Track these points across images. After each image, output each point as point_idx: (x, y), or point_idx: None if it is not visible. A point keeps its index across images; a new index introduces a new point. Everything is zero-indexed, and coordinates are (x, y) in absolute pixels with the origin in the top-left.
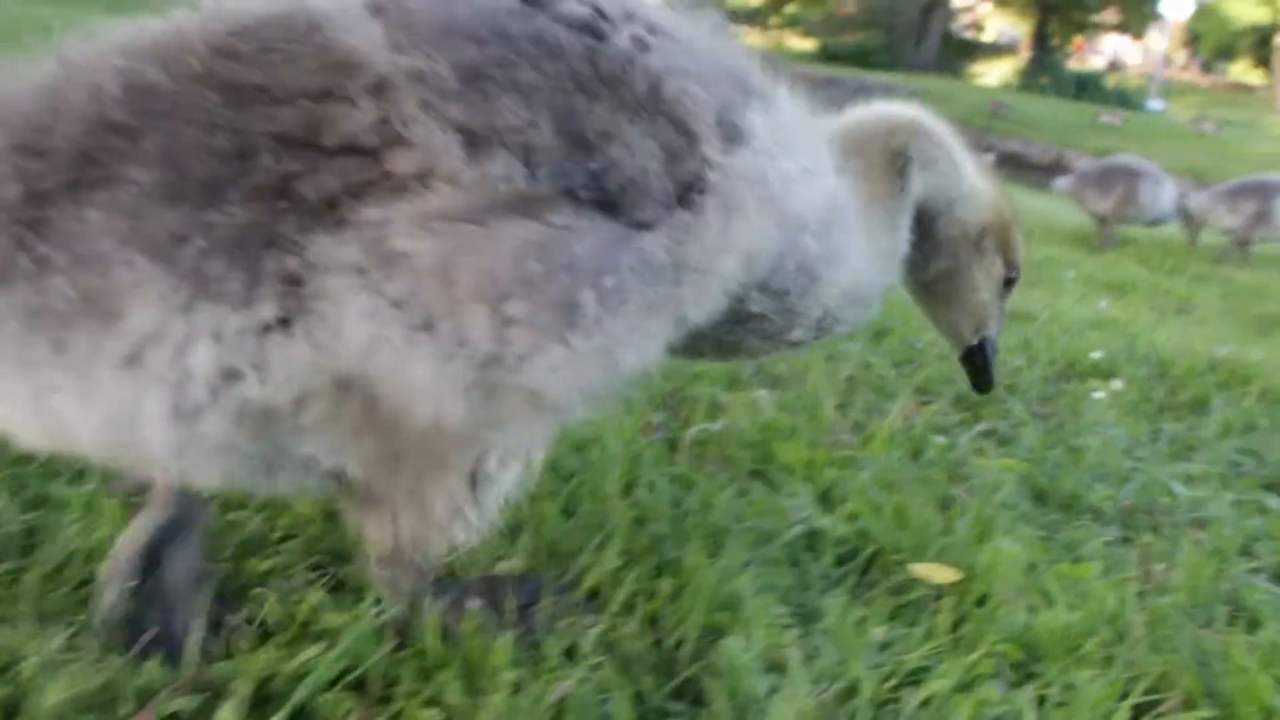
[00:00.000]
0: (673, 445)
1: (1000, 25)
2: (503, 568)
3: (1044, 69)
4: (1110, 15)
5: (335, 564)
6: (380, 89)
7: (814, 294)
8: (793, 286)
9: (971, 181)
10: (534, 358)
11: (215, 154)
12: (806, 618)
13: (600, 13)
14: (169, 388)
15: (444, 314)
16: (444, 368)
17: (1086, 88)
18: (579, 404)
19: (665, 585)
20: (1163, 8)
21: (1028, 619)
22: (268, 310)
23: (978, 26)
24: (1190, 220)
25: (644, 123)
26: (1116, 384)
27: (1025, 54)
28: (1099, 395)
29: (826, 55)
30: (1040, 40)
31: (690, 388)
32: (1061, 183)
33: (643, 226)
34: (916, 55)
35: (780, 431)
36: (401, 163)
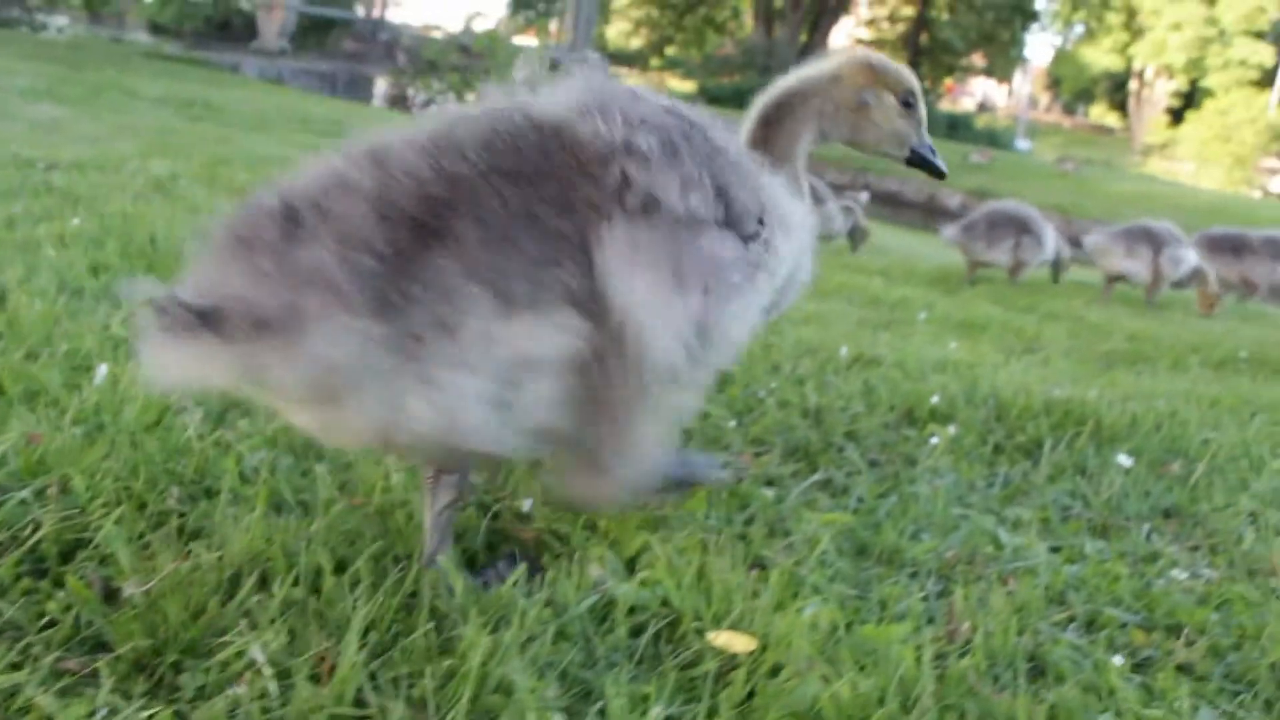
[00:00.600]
0: (483, 508)
1: None
2: None
3: None
4: (977, 59)
5: None
6: (609, 157)
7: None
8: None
9: (814, 79)
10: (724, 312)
11: (510, 214)
12: (587, 697)
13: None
14: (492, 381)
15: (679, 289)
16: (681, 326)
17: (958, 128)
18: (735, 352)
19: (439, 667)
20: (1027, 52)
21: (818, 690)
22: (565, 316)
23: None
24: (1060, 261)
25: (740, 178)
26: (952, 429)
27: None
28: (935, 440)
29: (706, 97)
30: None
31: None
32: (949, 232)
33: (749, 239)
34: None
35: None
36: (631, 200)
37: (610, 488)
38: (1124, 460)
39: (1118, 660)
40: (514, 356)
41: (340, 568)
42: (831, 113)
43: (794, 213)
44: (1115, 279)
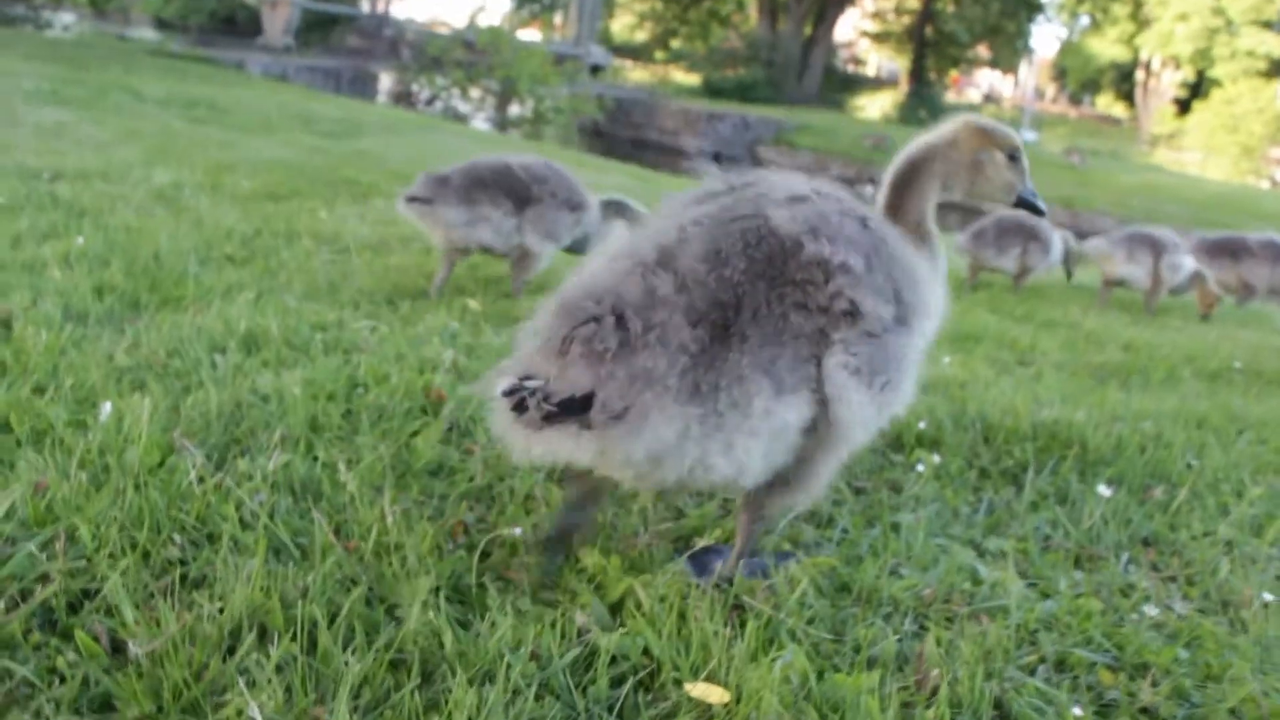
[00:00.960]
0: (472, 548)
1: (880, 60)
2: None
3: (922, 102)
4: (983, 51)
5: None
6: (829, 271)
7: None
8: None
9: (935, 144)
10: (895, 398)
11: (773, 316)
12: None
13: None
14: (769, 441)
15: (876, 379)
16: (869, 414)
17: None
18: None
19: None
20: (1033, 43)
21: None
22: (806, 396)
23: (858, 61)
24: (1070, 255)
25: (910, 281)
26: (937, 457)
27: (904, 88)
28: (921, 468)
29: (710, 90)
30: (918, 74)
31: (508, 480)
32: (961, 240)
33: (914, 333)
34: (798, 89)
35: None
36: (839, 306)
37: (791, 505)
38: (1104, 490)
39: (1077, 711)
40: (779, 426)
41: (334, 618)
42: (952, 172)
43: (936, 297)
44: (1114, 283)
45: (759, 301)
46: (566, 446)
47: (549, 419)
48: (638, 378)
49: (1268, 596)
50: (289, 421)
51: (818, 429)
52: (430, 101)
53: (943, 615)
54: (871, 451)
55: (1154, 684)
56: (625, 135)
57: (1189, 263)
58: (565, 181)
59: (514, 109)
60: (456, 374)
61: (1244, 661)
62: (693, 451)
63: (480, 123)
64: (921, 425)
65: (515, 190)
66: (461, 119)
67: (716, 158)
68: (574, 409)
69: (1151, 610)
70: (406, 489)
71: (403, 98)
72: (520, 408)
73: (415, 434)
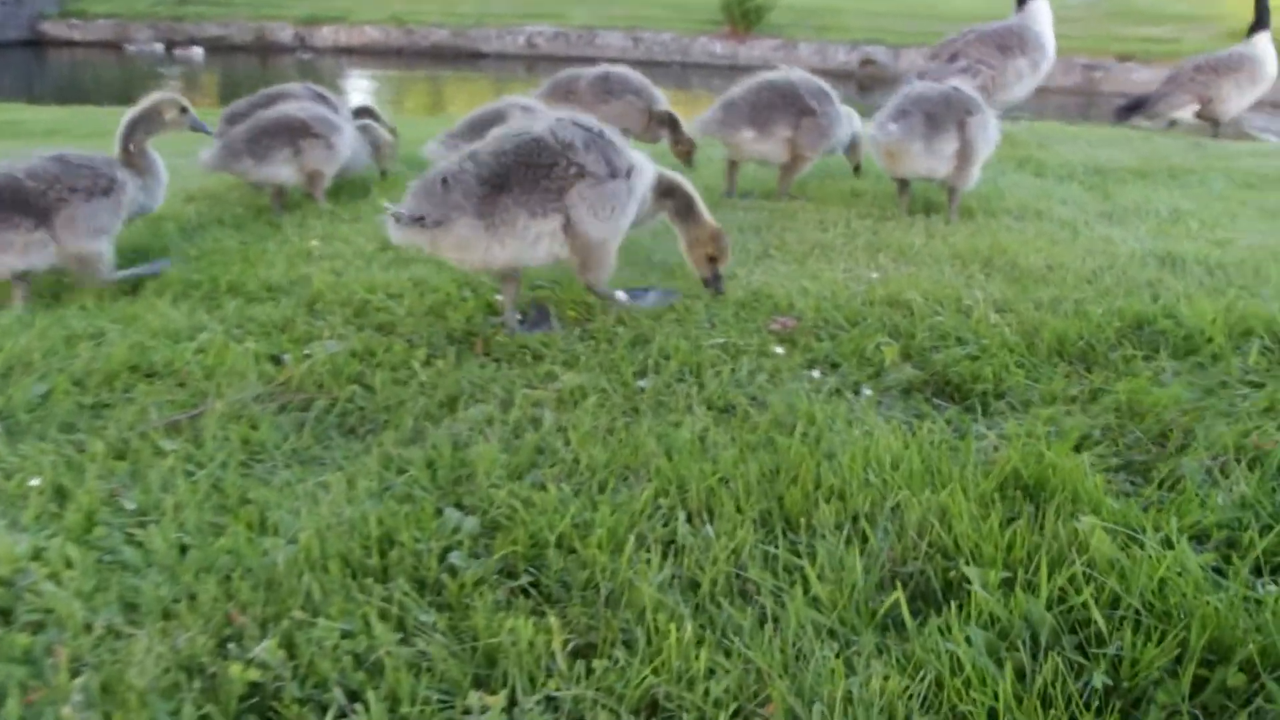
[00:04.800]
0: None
1: None
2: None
3: None
4: None
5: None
6: (568, 150)
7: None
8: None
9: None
10: (622, 217)
11: (531, 178)
12: None
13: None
14: (525, 242)
15: (603, 212)
16: (604, 220)
17: None
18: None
19: None
20: None
21: None
22: (556, 219)
23: None
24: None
25: (617, 153)
26: None
27: None
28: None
29: None
30: None
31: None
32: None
33: (624, 179)
34: None
35: None
36: (572, 170)
37: (596, 279)
38: None
39: None
40: (538, 232)
41: None
42: None
43: (643, 164)
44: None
45: (524, 174)
46: (416, 239)
47: (407, 225)
48: (451, 206)
49: None
50: None
51: (573, 237)
52: None
53: None
54: None
55: None
56: None
57: None
58: None
59: None
60: None
61: None
62: (483, 243)
63: None
64: None
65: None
66: None
67: None
68: (418, 221)
69: None
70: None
71: None
72: (396, 219)
73: None
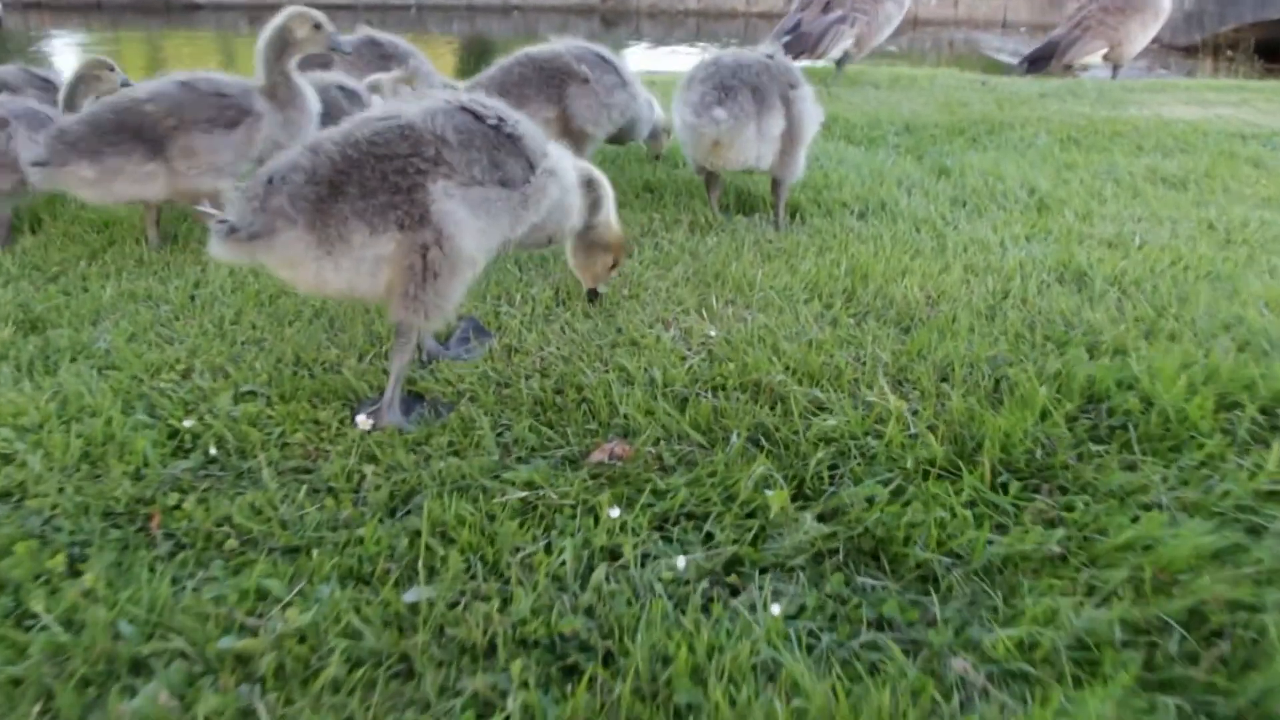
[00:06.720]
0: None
1: None
2: None
3: None
4: None
5: None
6: (438, 142)
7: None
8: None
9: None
10: (496, 226)
11: (376, 179)
12: None
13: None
14: (363, 265)
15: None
16: (483, 228)
17: None
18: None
19: None
20: None
21: None
22: (392, 234)
23: None
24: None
25: (515, 157)
26: None
27: None
28: None
29: None
30: None
31: None
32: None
33: (516, 190)
34: None
35: None
36: (440, 165)
37: (426, 322)
38: None
39: None
40: (376, 255)
41: None
42: None
43: (566, 168)
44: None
45: (371, 171)
46: (237, 254)
47: (224, 236)
48: (275, 215)
49: None
50: None
51: (428, 254)
52: None
53: None
54: None
55: None
56: None
57: None
58: None
59: None
60: None
61: None
62: (314, 264)
63: None
64: None
65: None
66: None
67: None
68: (233, 233)
69: None
70: None
71: None
72: (215, 229)
73: None
